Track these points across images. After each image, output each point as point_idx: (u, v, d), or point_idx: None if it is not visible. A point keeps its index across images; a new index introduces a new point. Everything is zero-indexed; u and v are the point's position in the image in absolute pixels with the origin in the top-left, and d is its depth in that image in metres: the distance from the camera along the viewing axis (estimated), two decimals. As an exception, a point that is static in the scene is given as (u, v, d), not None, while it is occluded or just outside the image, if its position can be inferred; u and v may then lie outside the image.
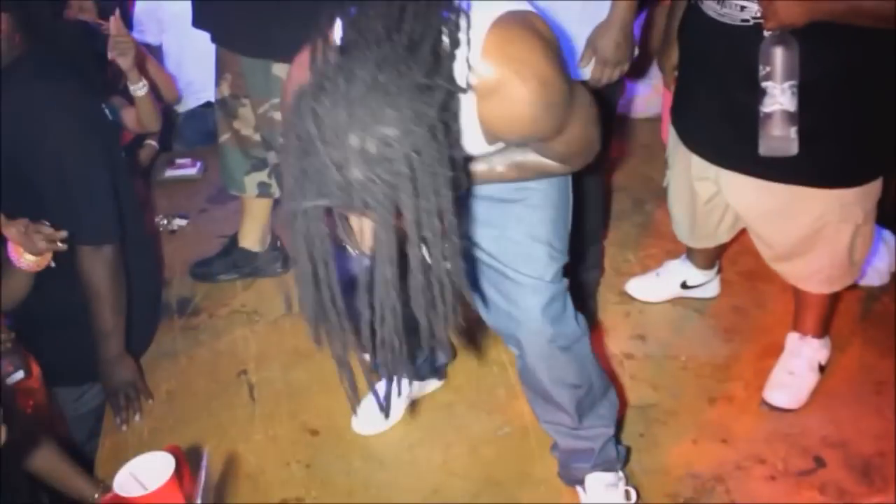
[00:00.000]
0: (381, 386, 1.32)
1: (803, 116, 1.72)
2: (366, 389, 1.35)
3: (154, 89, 2.90)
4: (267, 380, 2.41)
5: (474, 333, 2.38)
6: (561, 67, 1.30)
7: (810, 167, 1.83)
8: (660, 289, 2.61)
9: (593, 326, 2.54)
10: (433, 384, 2.32)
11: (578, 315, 1.76)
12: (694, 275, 2.57)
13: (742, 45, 1.78)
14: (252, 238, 2.79)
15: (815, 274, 2.08)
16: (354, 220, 1.14)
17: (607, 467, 1.93)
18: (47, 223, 2.04)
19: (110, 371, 2.26)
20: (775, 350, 2.32)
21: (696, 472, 2.08)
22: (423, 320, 1.16)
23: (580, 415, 1.83)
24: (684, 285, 2.58)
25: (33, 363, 2.16)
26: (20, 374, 2.07)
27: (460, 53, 1.19)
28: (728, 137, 1.94)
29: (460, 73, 1.20)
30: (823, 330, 2.27)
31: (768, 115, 1.73)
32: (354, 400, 1.32)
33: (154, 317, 2.60)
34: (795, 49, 1.69)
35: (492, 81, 1.24)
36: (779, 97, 1.70)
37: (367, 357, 1.23)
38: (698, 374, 2.38)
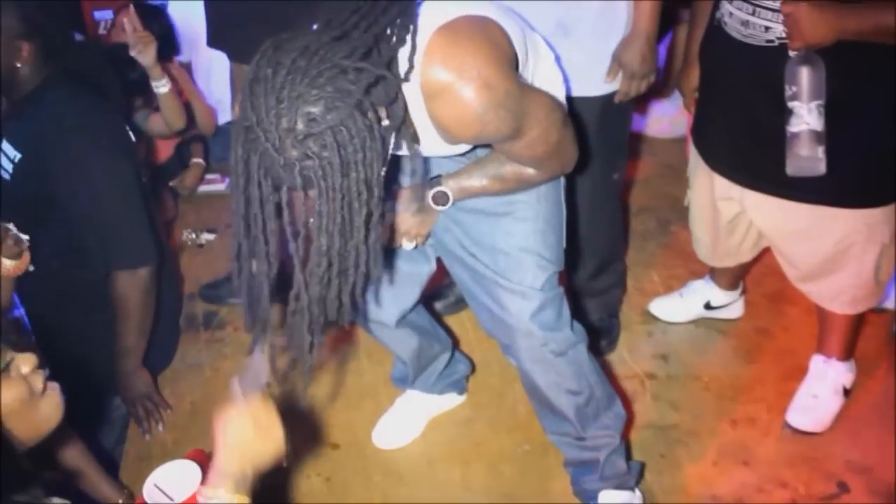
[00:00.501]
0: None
1: (830, 136, 1.71)
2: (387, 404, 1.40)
3: (190, 117, 2.95)
4: (289, 393, 2.42)
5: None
6: (508, 71, 1.35)
7: (837, 187, 1.82)
8: (683, 309, 2.60)
9: (616, 345, 2.53)
10: (453, 399, 2.32)
11: (575, 323, 1.80)
12: (718, 295, 2.55)
13: (767, 66, 1.78)
14: None
15: (840, 294, 2.06)
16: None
17: (619, 483, 1.93)
18: (11, 225, 2.05)
19: (126, 384, 2.29)
20: (799, 372, 2.30)
21: (717, 495, 2.07)
22: (335, 289, 1.26)
23: (583, 424, 1.85)
24: (708, 306, 2.57)
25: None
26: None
27: (402, 51, 1.27)
28: (754, 158, 1.94)
29: (402, 66, 1.28)
30: (848, 353, 2.24)
31: (795, 135, 1.72)
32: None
33: (174, 331, 2.62)
34: (822, 68, 1.69)
35: (436, 83, 1.30)
36: (806, 117, 1.70)
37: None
38: (720, 395, 2.36)
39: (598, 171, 2.15)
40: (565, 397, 1.81)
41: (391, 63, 1.26)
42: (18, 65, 2.05)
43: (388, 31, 1.25)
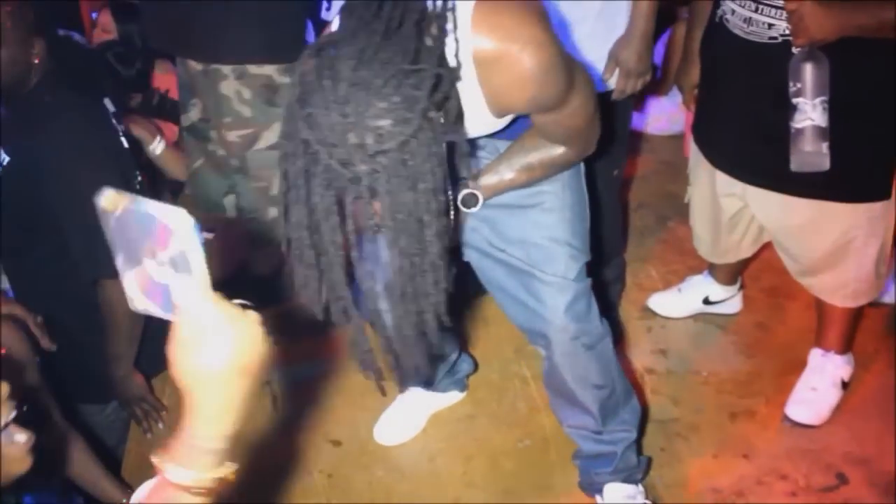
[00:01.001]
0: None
1: (833, 131, 1.73)
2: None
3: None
4: (291, 390, 2.42)
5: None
6: (553, 33, 1.33)
7: (840, 182, 1.83)
8: (682, 304, 2.61)
9: (616, 340, 2.54)
10: (454, 396, 2.32)
11: (601, 316, 1.81)
12: (716, 290, 2.57)
13: (770, 63, 1.79)
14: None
15: (841, 288, 2.09)
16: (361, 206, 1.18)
17: (628, 476, 1.94)
18: None
19: (120, 388, 2.30)
20: (797, 366, 2.32)
21: (717, 487, 2.09)
22: (413, 305, 1.22)
23: (604, 418, 1.85)
24: (706, 301, 2.59)
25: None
26: None
27: (448, 31, 1.23)
28: (757, 154, 1.95)
29: (451, 52, 1.23)
30: (846, 346, 2.27)
31: (800, 131, 1.74)
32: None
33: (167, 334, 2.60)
34: (825, 65, 1.70)
35: (489, 52, 1.28)
36: (810, 113, 1.72)
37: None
38: (720, 389, 2.38)
39: (599, 168, 2.16)
40: (591, 391, 1.81)
41: (442, 54, 1.21)
42: (36, 62, 2.04)
43: (427, 17, 1.20)
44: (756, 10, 1.78)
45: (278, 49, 2.25)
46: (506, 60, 1.28)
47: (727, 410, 2.30)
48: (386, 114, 1.05)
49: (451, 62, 1.23)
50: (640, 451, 2.02)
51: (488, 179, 1.58)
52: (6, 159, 2.07)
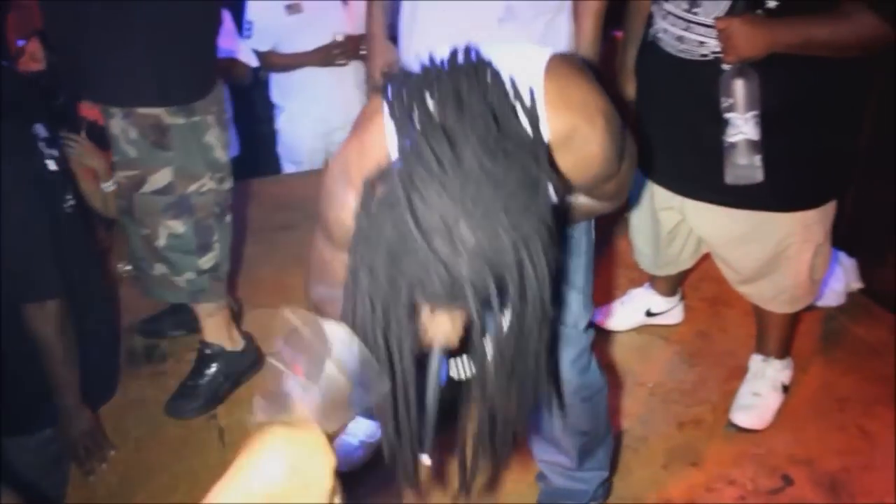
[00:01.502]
0: None
1: (765, 144, 1.78)
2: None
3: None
4: (237, 423, 2.37)
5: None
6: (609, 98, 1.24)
7: (774, 192, 1.89)
8: (625, 317, 2.65)
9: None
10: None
11: (600, 366, 1.77)
12: (658, 302, 2.62)
13: (703, 79, 1.84)
14: None
15: (779, 294, 2.14)
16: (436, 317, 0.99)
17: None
18: None
19: (67, 422, 2.20)
20: (740, 372, 2.38)
21: (669, 497, 2.11)
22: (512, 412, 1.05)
23: (581, 459, 1.84)
24: (649, 313, 2.63)
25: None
26: None
27: (529, 112, 1.06)
28: (693, 168, 2.00)
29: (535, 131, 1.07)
30: (785, 351, 2.33)
31: (733, 145, 1.79)
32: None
33: (113, 365, 2.54)
34: (755, 80, 1.76)
35: (563, 132, 1.16)
36: (742, 127, 1.77)
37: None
38: (666, 399, 2.42)
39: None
40: (575, 437, 1.78)
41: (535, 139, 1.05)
42: None
43: (507, 95, 1.05)
44: (687, 29, 1.83)
45: (169, 93, 2.10)
46: (577, 139, 1.17)
47: (674, 420, 2.34)
48: (507, 212, 0.89)
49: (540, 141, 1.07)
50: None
51: None
52: None
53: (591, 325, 1.70)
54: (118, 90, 2.11)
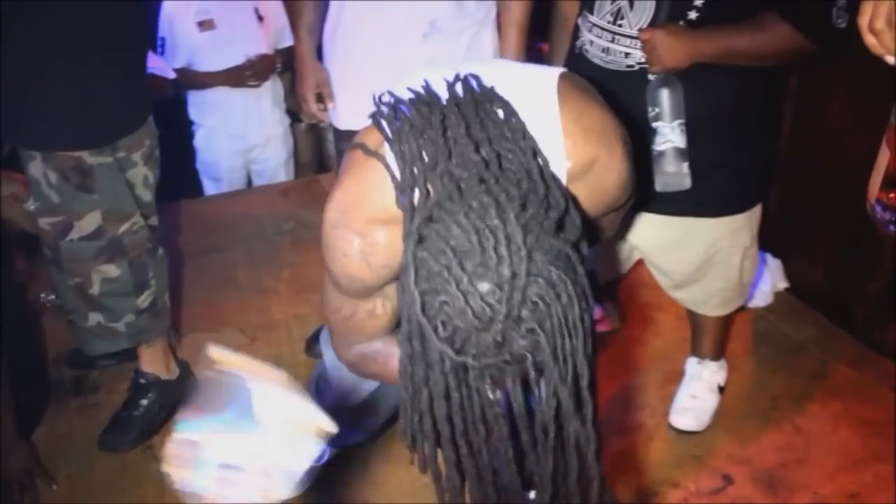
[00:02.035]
0: None
1: (692, 151, 1.82)
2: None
3: None
4: (174, 453, 2.31)
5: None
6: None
7: (701, 199, 1.92)
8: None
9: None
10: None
11: None
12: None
13: (629, 89, 1.86)
14: None
15: (710, 298, 2.19)
16: None
17: None
18: None
19: (3, 458, 2.11)
20: (676, 376, 2.42)
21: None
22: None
23: None
24: (584, 320, 2.65)
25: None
26: None
27: (542, 146, 1.04)
28: (623, 177, 2.02)
29: (553, 168, 1.04)
30: (720, 352, 2.38)
31: (661, 153, 1.82)
32: None
33: (39, 399, 2.45)
34: (680, 89, 1.79)
35: (583, 163, 1.12)
36: (669, 135, 1.80)
37: None
38: (605, 406, 2.44)
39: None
40: None
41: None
42: None
43: (521, 136, 1.02)
44: (612, 41, 1.86)
45: (94, 134, 1.99)
46: (597, 167, 1.12)
47: (615, 426, 2.36)
48: (551, 282, 0.88)
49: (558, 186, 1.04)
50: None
51: None
52: None
53: None
54: (34, 133, 1.97)
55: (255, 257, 3.31)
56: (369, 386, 1.67)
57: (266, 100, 3.72)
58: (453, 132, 1.00)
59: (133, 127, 2.06)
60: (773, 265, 2.86)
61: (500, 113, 1.04)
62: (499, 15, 2.16)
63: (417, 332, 0.91)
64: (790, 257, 2.90)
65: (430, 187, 0.98)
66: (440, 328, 0.89)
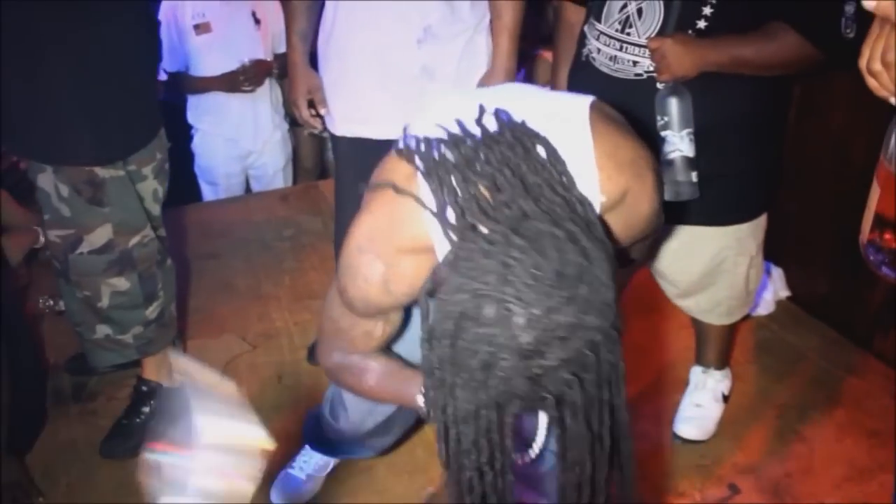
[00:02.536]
0: None
1: (700, 160, 1.82)
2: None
3: None
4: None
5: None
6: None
7: (708, 207, 1.92)
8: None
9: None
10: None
11: None
12: (595, 318, 2.63)
13: (637, 98, 1.86)
14: None
15: (716, 306, 2.18)
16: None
17: None
18: None
19: None
20: (679, 385, 2.42)
21: (620, 513, 2.12)
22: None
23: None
24: (587, 329, 2.64)
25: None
26: None
27: (579, 182, 1.04)
28: (631, 185, 2.01)
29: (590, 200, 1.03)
30: (724, 361, 2.38)
31: (670, 162, 1.81)
32: None
33: (38, 407, 2.43)
34: (689, 98, 1.79)
35: (616, 194, 1.12)
36: (678, 144, 1.80)
37: None
38: (609, 414, 2.43)
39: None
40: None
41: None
42: None
43: (559, 172, 1.02)
44: (620, 49, 1.86)
45: (108, 149, 1.99)
46: (630, 199, 1.13)
47: (619, 435, 2.35)
48: (581, 306, 0.88)
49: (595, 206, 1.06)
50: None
51: None
52: None
53: None
54: (48, 147, 1.95)
55: (254, 263, 3.29)
56: (386, 410, 1.66)
57: (263, 105, 3.71)
58: (491, 168, 1.00)
59: (146, 141, 2.06)
60: (775, 274, 2.86)
61: (541, 150, 1.04)
62: (491, 20, 2.16)
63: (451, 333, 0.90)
64: (791, 266, 2.90)
65: (469, 217, 0.97)
66: (480, 341, 0.88)
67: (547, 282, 0.87)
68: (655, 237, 1.34)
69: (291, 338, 2.81)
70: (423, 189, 1.06)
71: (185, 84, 3.58)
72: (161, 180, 2.15)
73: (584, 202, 1.00)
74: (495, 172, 0.99)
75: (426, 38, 2.04)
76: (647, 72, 1.84)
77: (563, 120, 1.12)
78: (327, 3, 2.13)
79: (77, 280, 2.07)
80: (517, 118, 1.09)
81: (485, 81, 2.06)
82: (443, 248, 1.02)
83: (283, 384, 2.59)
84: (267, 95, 3.72)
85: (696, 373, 2.37)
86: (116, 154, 1.99)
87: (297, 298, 3.02)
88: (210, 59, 3.54)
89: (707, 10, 1.77)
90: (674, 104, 1.80)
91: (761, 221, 2.08)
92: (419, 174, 1.07)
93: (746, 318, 2.50)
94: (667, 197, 1.85)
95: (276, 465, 2.19)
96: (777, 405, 2.45)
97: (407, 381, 1.32)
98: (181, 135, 3.72)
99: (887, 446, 2.24)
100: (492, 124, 1.08)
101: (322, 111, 2.24)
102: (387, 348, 1.38)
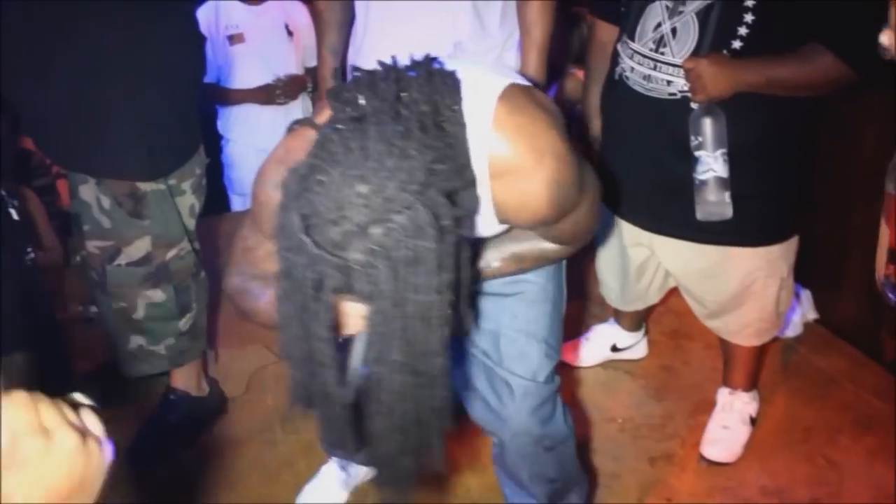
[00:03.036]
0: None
1: (733, 181, 1.81)
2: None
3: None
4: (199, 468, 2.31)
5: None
6: (570, 142, 1.22)
7: (740, 228, 1.92)
8: (591, 353, 2.66)
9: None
10: (379, 466, 2.25)
11: (567, 414, 1.71)
12: (623, 337, 2.63)
13: (671, 117, 1.87)
14: None
15: (745, 328, 2.17)
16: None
17: None
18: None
19: None
20: (706, 406, 2.40)
21: (645, 533, 2.11)
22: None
23: (549, 502, 1.81)
24: (614, 348, 2.64)
25: None
26: None
27: (471, 128, 1.11)
28: (663, 205, 2.01)
29: (474, 152, 1.12)
30: (752, 383, 2.36)
31: (703, 183, 1.81)
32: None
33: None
34: (723, 119, 1.79)
35: (505, 159, 1.16)
36: (712, 164, 1.80)
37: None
38: (636, 434, 2.42)
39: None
40: (543, 485, 1.74)
41: (464, 152, 1.10)
42: None
43: (447, 107, 1.09)
44: (654, 68, 1.87)
45: (158, 163, 2.00)
46: (521, 172, 1.17)
47: (645, 455, 2.34)
48: (400, 203, 0.92)
49: (475, 162, 1.12)
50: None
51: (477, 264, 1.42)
52: None
53: (555, 373, 1.63)
54: (96, 161, 1.96)
55: (281, 275, 3.29)
56: None
57: (295, 116, 3.73)
58: (384, 92, 1.04)
59: (188, 156, 2.07)
60: (803, 296, 2.84)
61: (441, 85, 1.10)
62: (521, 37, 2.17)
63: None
64: (820, 289, 2.88)
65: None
66: (304, 205, 0.94)
67: (394, 166, 0.93)
68: (577, 230, 1.35)
69: (317, 350, 2.81)
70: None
71: (218, 95, 3.61)
72: (198, 196, 2.17)
73: (469, 142, 1.09)
74: (382, 94, 1.03)
75: (456, 53, 2.05)
76: (681, 91, 1.84)
77: (486, 77, 1.19)
78: (358, 18, 2.15)
79: (114, 291, 2.08)
80: (447, 66, 1.15)
81: None
82: None
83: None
84: (299, 106, 3.74)
85: (724, 394, 2.35)
86: (163, 169, 2.01)
87: (323, 311, 3.02)
88: (242, 70, 3.56)
89: (743, 31, 1.78)
90: (708, 124, 1.80)
91: (793, 243, 2.07)
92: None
93: (774, 340, 2.49)
94: (699, 216, 1.85)
95: (303, 477, 2.20)
96: (805, 429, 2.42)
97: None
98: (211, 145, 3.74)
99: (918, 473, 2.21)
100: (419, 66, 1.13)
101: None
102: None
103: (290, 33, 3.62)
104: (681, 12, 1.82)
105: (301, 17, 3.61)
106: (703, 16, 1.79)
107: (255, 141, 3.68)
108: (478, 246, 1.40)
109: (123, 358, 2.21)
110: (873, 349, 2.69)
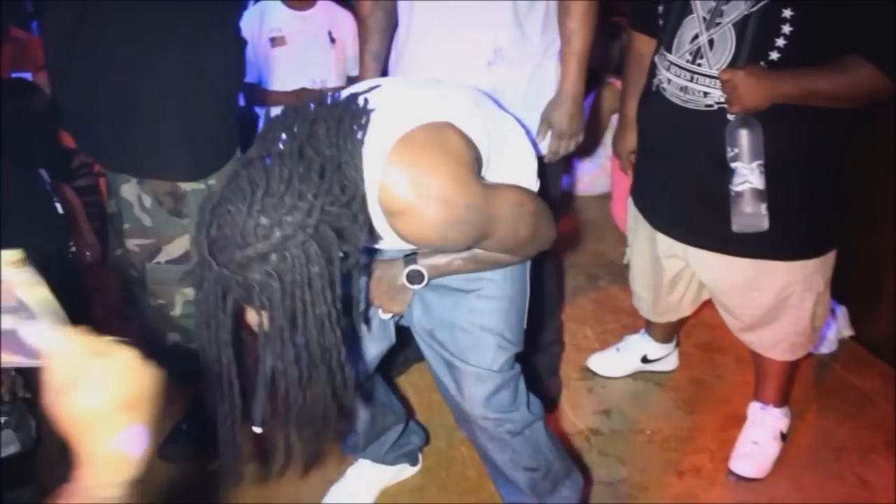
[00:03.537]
0: None
1: (769, 193, 1.80)
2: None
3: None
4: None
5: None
6: (469, 184, 1.32)
7: (777, 241, 1.91)
8: (621, 364, 2.65)
9: (557, 403, 2.55)
10: (405, 470, 2.27)
11: (532, 400, 1.79)
12: (654, 349, 2.62)
13: (707, 129, 1.86)
14: None
15: (779, 342, 2.15)
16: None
17: None
18: None
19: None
20: (736, 420, 2.38)
21: (672, 545, 2.10)
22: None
23: (540, 497, 1.84)
24: (645, 359, 2.63)
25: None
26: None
27: (367, 168, 1.28)
28: (699, 217, 2.00)
29: (370, 190, 1.29)
30: (784, 399, 2.34)
31: (739, 194, 1.80)
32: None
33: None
34: (759, 130, 1.78)
35: (394, 202, 1.30)
36: (748, 176, 1.79)
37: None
38: (664, 447, 2.41)
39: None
40: (522, 473, 1.79)
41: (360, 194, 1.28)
42: None
43: (347, 152, 1.27)
44: (691, 80, 1.86)
45: (201, 163, 2.03)
46: (407, 215, 1.31)
47: (674, 468, 2.33)
48: (295, 237, 1.13)
49: (370, 201, 1.30)
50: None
51: (436, 260, 1.56)
52: None
53: (513, 362, 1.73)
54: (142, 161, 2.00)
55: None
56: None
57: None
58: (300, 132, 1.26)
59: (227, 157, 2.10)
60: (839, 312, 2.81)
61: (359, 135, 1.28)
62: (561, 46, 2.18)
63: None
64: (856, 305, 2.84)
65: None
66: (214, 229, 1.15)
67: (294, 203, 1.14)
68: (511, 247, 1.51)
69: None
70: None
71: (257, 96, 3.65)
72: None
73: (364, 187, 1.27)
74: (299, 133, 1.26)
75: (496, 60, 2.06)
76: (717, 103, 1.84)
77: (396, 122, 1.32)
78: (401, 23, 2.16)
79: (153, 289, 2.12)
80: (371, 104, 1.33)
81: (552, 106, 2.07)
82: None
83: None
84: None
85: (755, 409, 2.33)
86: (206, 170, 2.04)
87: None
88: (281, 73, 3.60)
89: (780, 42, 1.77)
90: (744, 136, 1.79)
91: (830, 258, 2.05)
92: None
93: (808, 356, 2.46)
94: (735, 228, 1.84)
95: (332, 478, 2.21)
96: (836, 447, 2.39)
97: None
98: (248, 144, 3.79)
99: (952, 495, 2.17)
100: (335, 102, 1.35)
101: None
102: None
103: (332, 40, 3.65)
104: (718, 24, 1.81)
105: (347, 26, 3.64)
106: (740, 27, 1.79)
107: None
108: (375, 255, 1.61)
109: (159, 355, 2.24)
110: (909, 368, 2.65)
